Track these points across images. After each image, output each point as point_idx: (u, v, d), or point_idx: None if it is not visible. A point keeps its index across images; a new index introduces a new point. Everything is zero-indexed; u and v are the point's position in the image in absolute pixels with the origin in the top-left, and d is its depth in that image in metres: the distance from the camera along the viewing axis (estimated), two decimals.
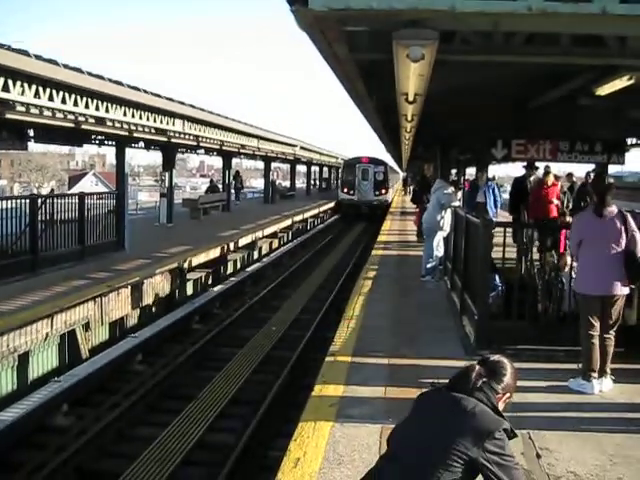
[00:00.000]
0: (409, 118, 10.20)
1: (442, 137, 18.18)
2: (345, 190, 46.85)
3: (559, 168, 19.81)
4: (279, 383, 12.15)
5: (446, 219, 14.61)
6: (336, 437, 6.18)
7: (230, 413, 10.99)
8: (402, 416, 6.29)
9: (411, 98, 7.27)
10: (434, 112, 11.92)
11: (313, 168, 72.77)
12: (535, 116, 14.74)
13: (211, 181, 44.79)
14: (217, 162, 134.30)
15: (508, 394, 3.82)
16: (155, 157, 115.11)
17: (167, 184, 27.56)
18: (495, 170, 24.37)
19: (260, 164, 62.05)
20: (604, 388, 7.72)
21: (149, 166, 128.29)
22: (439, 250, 14.94)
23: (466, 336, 9.87)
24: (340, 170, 53.94)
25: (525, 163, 17.66)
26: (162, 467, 8.77)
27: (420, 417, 3.82)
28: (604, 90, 10.88)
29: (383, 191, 46.09)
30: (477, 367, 3.80)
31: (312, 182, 73.22)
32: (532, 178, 17.65)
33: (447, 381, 3.88)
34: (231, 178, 38.74)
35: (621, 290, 7.65)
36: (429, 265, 14.99)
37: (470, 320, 10.13)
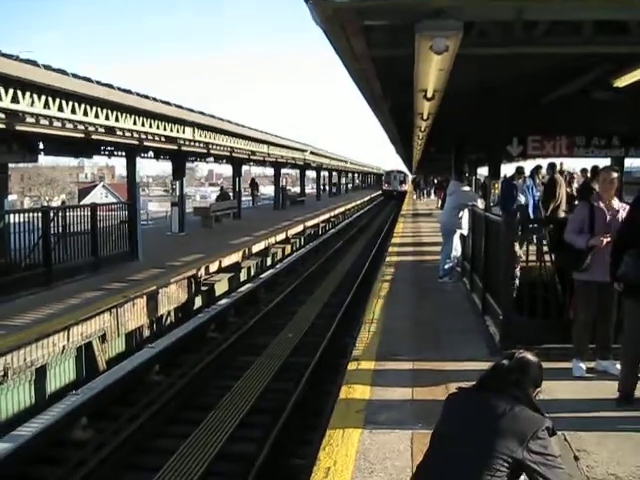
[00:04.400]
0: (425, 117, 10.04)
1: (455, 137, 18.01)
2: (386, 185, 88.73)
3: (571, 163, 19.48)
4: (298, 391, 11.96)
5: (464, 219, 14.43)
6: (366, 444, 6.01)
7: (250, 422, 10.79)
8: (432, 420, 6.25)
9: (430, 95, 7.10)
10: (447, 111, 11.75)
11: (322, 173, 72.55)
12: (550, 112, 14.59)
13: (221, 189, 44.85)
14: (226, 170, 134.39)
15: (538, 389, 3.77)
16: (164, 167, 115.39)
17: (178, 193, 27.44)
18: (505, 170, 24.16)
19: (269, 171, 62.41)
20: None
21: (158, 176, 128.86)
22: (457, 250, 14.76)
23: (490, 337, 9.70)
24: (384, 175, 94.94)
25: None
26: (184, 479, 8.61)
27: (456, 420, 3.71)
28: (623, 82, 10.76)
29: (404, 185, 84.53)
30: (506, 363, 3.70)
31: (321, 187, 73.18)
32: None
33: (476, 381, 3.82)
34: (242, 185, 38.64)
35: None
36: (447, 266, 14.80)
37: (494, 320, 9.96)
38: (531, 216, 17.20)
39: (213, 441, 9.77)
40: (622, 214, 7.88)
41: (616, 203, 8.05)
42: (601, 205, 7.95)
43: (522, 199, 17.54)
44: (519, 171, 18.31)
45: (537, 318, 9.24)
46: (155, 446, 10.07)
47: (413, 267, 17.66)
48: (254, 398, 11.62)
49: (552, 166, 18.62)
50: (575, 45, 6.67)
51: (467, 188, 14.91)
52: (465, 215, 14.49)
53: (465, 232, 14.54)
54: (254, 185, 54.64)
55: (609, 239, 7.67)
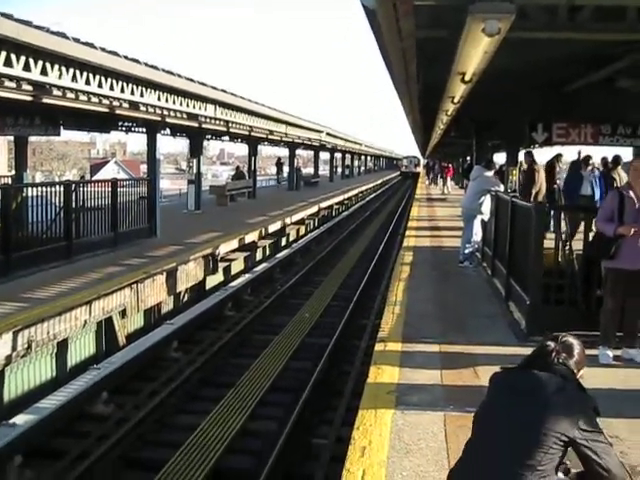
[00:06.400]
0: (456, 100, 10.00)
1: (478, 121, 17.93)
2: (403, 167, 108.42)
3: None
4: (318, 370, 11.99)
5: (486, 204, 14.40)
6: (399, 425, 6.02)
7: (271, 401, 10.84)
8: (463, 403, 6.30)
9: (468, 78, 7.08)
10: (472, 95, 11.71)
11: (336, 155, 72.25)
12: (576, 99, 14.53)
13: (237, 168, 44.93)
14: (237, 150, 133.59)
15: (582, 372, 3.78)
16: (176, 145, 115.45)
17: (195, 171, 27.43)
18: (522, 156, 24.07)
19: (278, 151, 62.69)
20: None
21: (169, 154, 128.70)
22: (477, 235, 14.74)
23: (515, 322, 9.69)
24: (402, 160, 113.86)
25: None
26: (206, 455, 8.64)
27: (504, 399, 3.70)
28: None
29: (417, 168, 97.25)
30: (552, 344, 3.72)
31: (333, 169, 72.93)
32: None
33: (522, 360, 3.81)
34: (255, 165, 38.65)
35: None
36: (467, 250, 14.78)
37: (518, 306, 9.95)
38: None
39: (234, 418, 9.80)
40: None
41: None
42: (631, 194, 7.93)
43: (588, 189, 17.06)
44: (586, 162, 17.76)
45: (563, 305, 9.25)
46: (176, 422, 10.12)
47: (431, 251, 17.62)
48: (273, 376, 11.65)
49: (529, 154, 18.52)
50: (619, 32, 6.63)
51: (490, 173, 14.84)
52: (487, 200, 14.45)
53: (486, 217, 14.51)
54: (280, 165, 56.90)
55: (637, 228, 7.69)
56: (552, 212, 12.32)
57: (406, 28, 5.83)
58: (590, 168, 17.36)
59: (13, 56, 11.20)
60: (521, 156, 19.98)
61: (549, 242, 9.66)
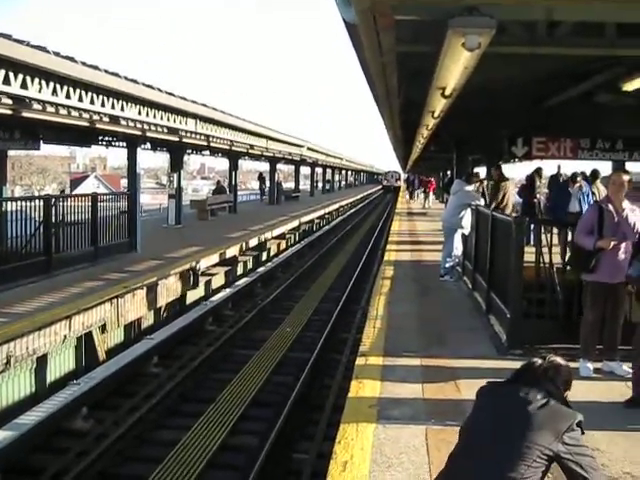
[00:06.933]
0: (436, 114, 10.05)
1: (458, 135, 18.01)
2: (385, 182, 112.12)
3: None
4: (299, 384, 11.97)
5: (466, 218, 14.45)
6: (381, 439, 6.01)
7: (252, 415, 10.78)
8: (445, 417, 6.31)
9: (448, 92, 7.13)
10: (452, 109, 11.79)
11: (316, 169, 72.28)
12: (555, 114, 14.64)
13: (218, 182, 44.86)
14: (218, 164, 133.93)
15: (567, 391, 3.77)
16: (156, 159, 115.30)
17: (176, 185, 27.36)
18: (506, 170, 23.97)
19: (259, 166, 62.87)
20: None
21: (150, 169, 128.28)
22: (458, 249, 14.79)
23: (496, 335, 9.72)
24: (384, 174, 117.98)
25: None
26: (187, 470, 8.58)
27: (490, 412, 3.71)
28: (633, 85, 10.79)
29: (398, 182, 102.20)
30: (539, 362, 3.75)
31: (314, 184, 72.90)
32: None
33: (510, 375, 3.81)
34: (236, 180, 38.64)
35: None
36: (448, 265, 14.83)
37: (499, 320, 9.99)
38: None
39: (215, 433, 9.75)
40: (631, 217, 7.96)
41: (626, 206, 8.09)
42: (610, 207, 7.99)
43: (576, 207, 16.94)
44: (573, 179, 17.56)
45: (544, 318, 9.28)
46: (156, 438, 10.04)
47: (412, 266, 17.65)
48: (255, 391, 11.61)
49: (498, 167, 18.44)
50: (598, 47, 6.69)
51: (470, 188, 14.91)
52: (467, 214, 14.50)
53: (467, 231, 14.55)
54: (262, 179, 57.71)
55: (616, 241, 7.76)
56: (532, 226, 12.47)
57: (386, 42, 5.86)
58: (578, 185, 17.28)
59: None
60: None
61: (529, 256, 9.71)
